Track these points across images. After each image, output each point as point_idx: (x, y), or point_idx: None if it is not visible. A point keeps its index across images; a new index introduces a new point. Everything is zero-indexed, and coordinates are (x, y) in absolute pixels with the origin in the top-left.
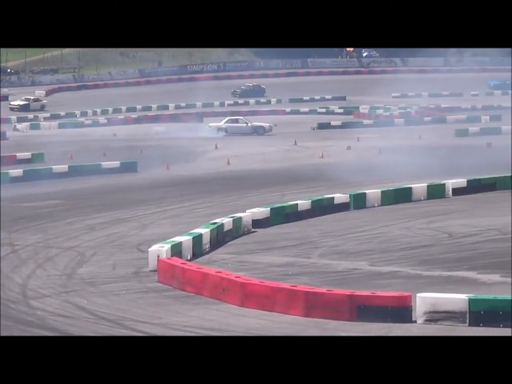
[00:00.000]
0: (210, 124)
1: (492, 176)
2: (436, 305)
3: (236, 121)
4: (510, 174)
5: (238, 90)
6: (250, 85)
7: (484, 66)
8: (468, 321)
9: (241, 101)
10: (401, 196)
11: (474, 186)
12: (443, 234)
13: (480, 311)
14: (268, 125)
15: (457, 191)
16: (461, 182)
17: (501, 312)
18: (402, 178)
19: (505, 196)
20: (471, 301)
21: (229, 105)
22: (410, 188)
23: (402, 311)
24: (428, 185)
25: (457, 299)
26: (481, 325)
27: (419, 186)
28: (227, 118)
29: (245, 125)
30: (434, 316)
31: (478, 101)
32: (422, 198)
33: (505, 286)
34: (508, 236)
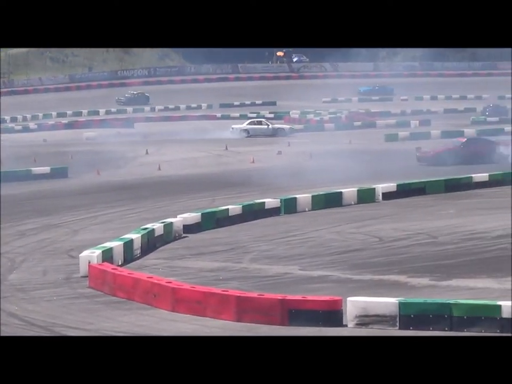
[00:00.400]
0: (233, 126)
1: (421, 180)
2: (367, 309)
3: (259, 123)
4: (439, 178)
5: (123, 98)
6: (135, 92)
7: (413, 71)
8: (398, 324)
9: (172, 106)
10: (331, 201)
11: (404, 191)
12: (373, 239)
13: (410, 315)
14: (288, 127)
15: (387, 196)
16: (391, 186)
17: (431, 316)
18: (333, 183)
19: (434, 200)
20: (401, 305)
21: (113, 112)
22: (341, 192)
23: (333, 315)
24: (358, 190)
25: (388, 303)
26: (411, 328)
27: (349, 191)
28: (250, 120)
29: (266, 126)
30: (365, 320)
31: (408, 106)
32: (352, 203)
33: (435, 289)
34: (437, 240)
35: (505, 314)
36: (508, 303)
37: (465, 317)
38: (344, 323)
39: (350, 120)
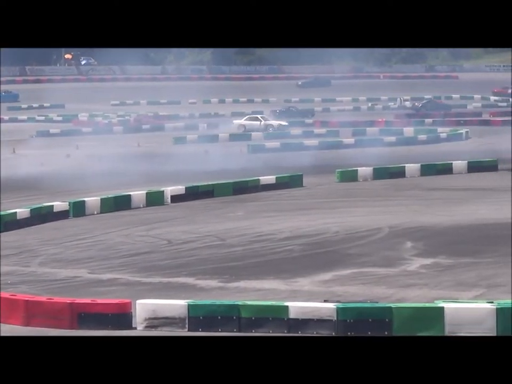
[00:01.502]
0: (234, 121)
1: (209, 183)
2: (156, 312)
3: (255, 119)
4: (227, 181)
5: None
6: None
7: (202, 75)
8: (187, 326)
9: None
10: (120, 203)
11: (193, 193)
12: (162, 241)
13: (199, 317)
14: (278, 123)
15: (176, 198)
16: (180, 189)
17: (219, 317)
18: (122, 186)
19: (223, 202)
20: (190, 307)
21: None
22: (130, 195)
23: (122, 318)
24: (147, 193)
25: (176, 305)
26: (200, 330)
27: (138, 194)
28: (247, 116)
29: (258, 122)
30: (154, 322)
31: (196, 109)
32: (141, 205)
33: (223, 291)
34: (225, 242)
35: (292, 315)
36: (295, 303)
37: (253, 318)
38: (133, 326)
39: (138, 123)
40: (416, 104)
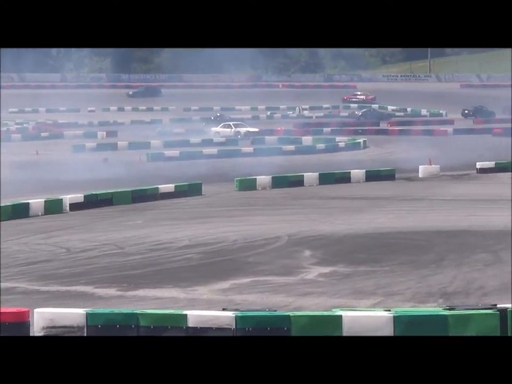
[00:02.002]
0: (211, 128)
1: (108, 191)
2: (54, 320)
3: (229, 126)
4: (126, 189)
5: None
6: None
7: (101, 83)
8: (86, 335)
9: None
10: (18, 211)
11: (92, 201)
12: (61, 250)
13: (97, 325)
14: (245, 130)
15: (74, 206)
16: (78, 197)
17: (118, 326)
18: (20, 194)
19: (122, 210)
20: (88, 315)
21: None
22: (28, 203)
23: (20, 327)
24: (45, 201)
25: (75, 313)
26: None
27: (36, 202)
28: (223, 123)
29: (230, 129)
30: (53, 331)
31: (95, 117)
32: (40, 214)
33: (122, 299)
34: (124, 250)
35: (191, 323)
36: (194, 312)
37: (151, 327)
38: (31, 334)
39: (37, 130)
40: (356, 112)
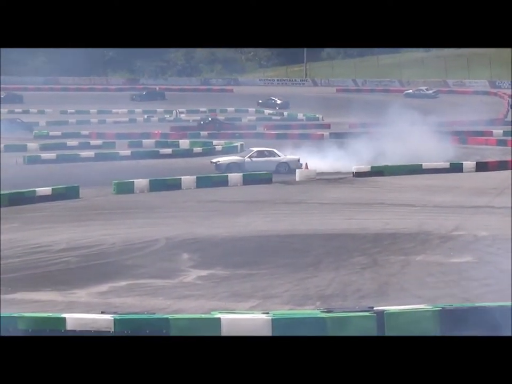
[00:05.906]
0: None
1: None
2: None
3: None
4: (3, 192)
5: None
6: None
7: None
8: None
9: None
10: None
11: None
12: None
13: None
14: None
15: None
16: None
17: (30, 330)
18: None
19: None
20: None
21: None
22: None
23: None
24: None
25: None
26: None
27: None
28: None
29: None
30: None
31: None
32: None
33: None
34: (0, 253)
35: (69, 326)
36: (72, 315)
37: (30, 330)
38: None
39: None
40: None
